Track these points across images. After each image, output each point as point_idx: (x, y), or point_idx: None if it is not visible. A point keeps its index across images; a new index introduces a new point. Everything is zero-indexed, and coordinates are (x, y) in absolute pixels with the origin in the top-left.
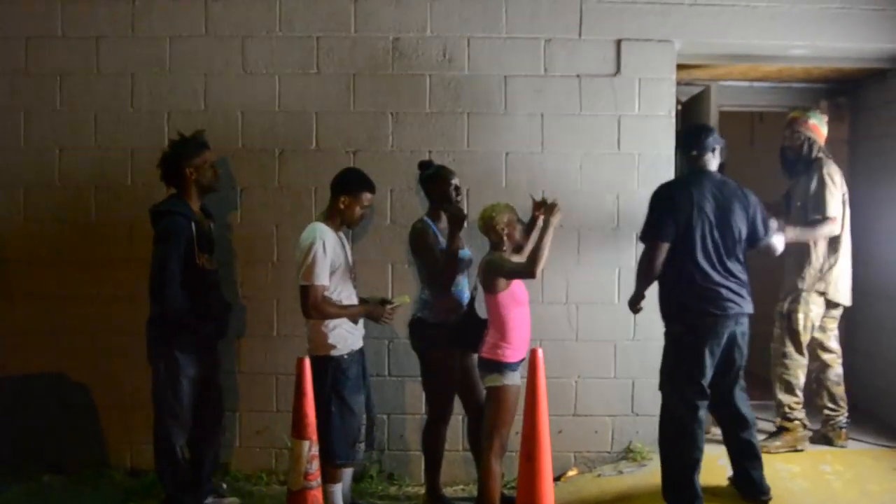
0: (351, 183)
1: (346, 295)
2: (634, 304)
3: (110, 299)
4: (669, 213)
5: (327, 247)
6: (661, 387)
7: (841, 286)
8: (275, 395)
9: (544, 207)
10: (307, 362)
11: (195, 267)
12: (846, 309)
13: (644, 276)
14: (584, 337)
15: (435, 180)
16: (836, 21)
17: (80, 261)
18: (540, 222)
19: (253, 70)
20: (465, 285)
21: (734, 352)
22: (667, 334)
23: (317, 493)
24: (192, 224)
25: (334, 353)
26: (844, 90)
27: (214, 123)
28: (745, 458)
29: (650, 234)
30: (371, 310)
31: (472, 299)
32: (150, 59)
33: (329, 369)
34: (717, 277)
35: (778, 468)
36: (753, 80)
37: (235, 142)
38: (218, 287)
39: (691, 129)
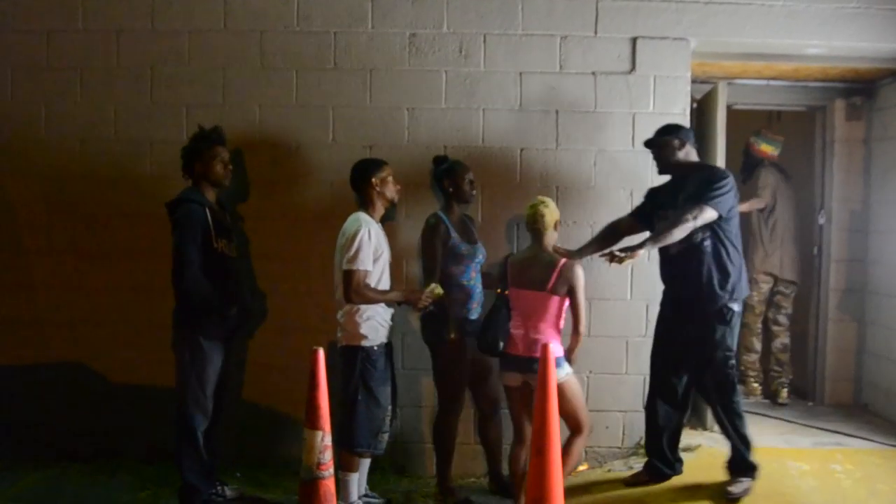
0: (371, 166)
1: (384, 286)
2: None
3: (128, 290)
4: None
5: (372, 234)
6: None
7: (786, 265)
8: (289, 385)
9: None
10: (321, 353)
11: (214, 252)
12: (858, 311)
13: None
14: (596, 333)
15: (450, 175)
16: (852, 21)
17: (99, 252)
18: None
19: (270, 64)
20: (477, 280)
21: None
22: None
23: (329, 483)
24: (206, 210)
25: (365, 343)
26: (861, 90)
27: (232, 117)
28: None
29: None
30: (409, 294)
31: (504, 297)
32: (170, 53)
33: (359, 359)
34: None
35: (788, 466)
36: (769, 78)
37: (252, 135)
38: (239, 277)
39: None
